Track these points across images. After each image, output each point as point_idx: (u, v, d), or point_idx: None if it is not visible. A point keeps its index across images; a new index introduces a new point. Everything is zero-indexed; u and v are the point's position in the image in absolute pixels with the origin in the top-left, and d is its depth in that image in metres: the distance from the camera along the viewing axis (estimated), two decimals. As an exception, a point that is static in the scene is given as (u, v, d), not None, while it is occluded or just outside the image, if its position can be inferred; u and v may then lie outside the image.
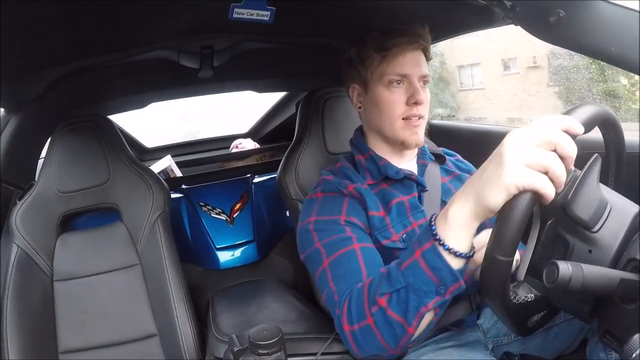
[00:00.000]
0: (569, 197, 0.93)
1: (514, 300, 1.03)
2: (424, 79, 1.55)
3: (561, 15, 1.22)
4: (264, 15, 1.75)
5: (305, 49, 2.27)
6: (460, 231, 1.00)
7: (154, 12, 1.67)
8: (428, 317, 1.10)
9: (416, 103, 1.51)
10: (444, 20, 1.92)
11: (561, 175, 0.84)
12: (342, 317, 1.22)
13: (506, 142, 0.88)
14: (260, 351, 1.18)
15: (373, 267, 1.30)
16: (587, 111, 0.94)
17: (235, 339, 1.37)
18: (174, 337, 1.84)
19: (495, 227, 0.88)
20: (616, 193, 1.00)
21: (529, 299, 1.06)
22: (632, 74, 1.30)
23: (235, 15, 1.73)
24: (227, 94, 3.08)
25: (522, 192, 0.85)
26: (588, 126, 0.91)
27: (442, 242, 1.01)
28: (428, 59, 1.60)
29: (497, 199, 0.88)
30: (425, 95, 1.53)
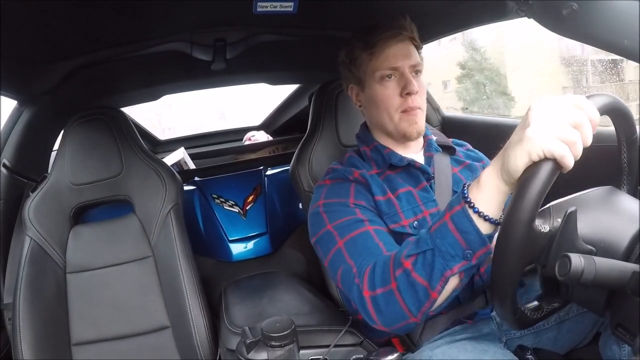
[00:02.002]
0: (548, 261, 0.94)
1: (543, 314, 1.06)
2: (415, 69, 1.55)
3: (574, 8, 1.21)
4: (287, 6, 1.75)
5: (319, 41, 2.26)
6: (491, 195, 1.01)
7: (169, 6, 1.66)
8: (452, 283, 1.11)
9: (409, 93, 1.51)
10: (458, 13, 1.91)
11: (579, 151, 0.87)
12: (362, 284, 1.23)
13: (534, 108, 0.91)
14: (273, 343, 1.18)
15: (390, 245, 1.31)
16: (599, 101, 0.93)
17: (248, 331, 1.37)
18: (187, 329, 1.85)
19: (514, 195, 0.91)
20: (609, 216, 0.99)
21: (556, 306, 1.07)
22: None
23: (259, 10, 1.73)
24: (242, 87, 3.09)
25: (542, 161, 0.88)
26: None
27: (472, 204, 1.02)
28: (419, 48, 1.60)
29: (518, 161, 0.91)
30: (418, 84, 1.53)
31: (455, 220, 1.05)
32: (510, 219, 0.89)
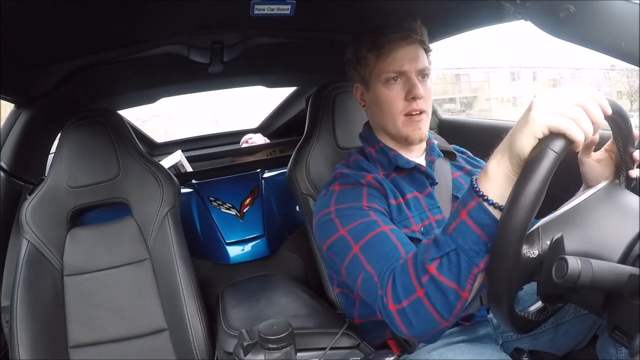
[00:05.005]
0: (541, 280, 0.94)
1: (547, 315, 1.06)
2: (422, 73, 1.52)
3: (571, 10, 1.21)
4: (284, 9, 1.75)
5: (316, 43, 2.26)
6: (502, 184, 0.99)
7: (166, 8, 1.67)
8: (479, 280, 1.06)
9: (414, 98, 1.48)
10: (455, 16, 1.91)
11: (588, 128, 0.88)
12: (386, 296, 1.17)
13: (538, 94, 0.93)
14: (270, 346, 1.18)
15: (408, 245, 1.27)
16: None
17: (245, 334, 1.36)
18: (184, 331, 1.85)
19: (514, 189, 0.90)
20: (605, 220, 0.98)
21: (560, 305, 1.07)
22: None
23: (256, 12, 1.73)
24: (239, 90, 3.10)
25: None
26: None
27: (486, 197, 1.00)
28: (427, 52, 1.57)
29: (524, 142, 0.92)
30: (425, 89, 1.50)
31: (472, 216, 1.02)
32: (497, 249, 0.90)
